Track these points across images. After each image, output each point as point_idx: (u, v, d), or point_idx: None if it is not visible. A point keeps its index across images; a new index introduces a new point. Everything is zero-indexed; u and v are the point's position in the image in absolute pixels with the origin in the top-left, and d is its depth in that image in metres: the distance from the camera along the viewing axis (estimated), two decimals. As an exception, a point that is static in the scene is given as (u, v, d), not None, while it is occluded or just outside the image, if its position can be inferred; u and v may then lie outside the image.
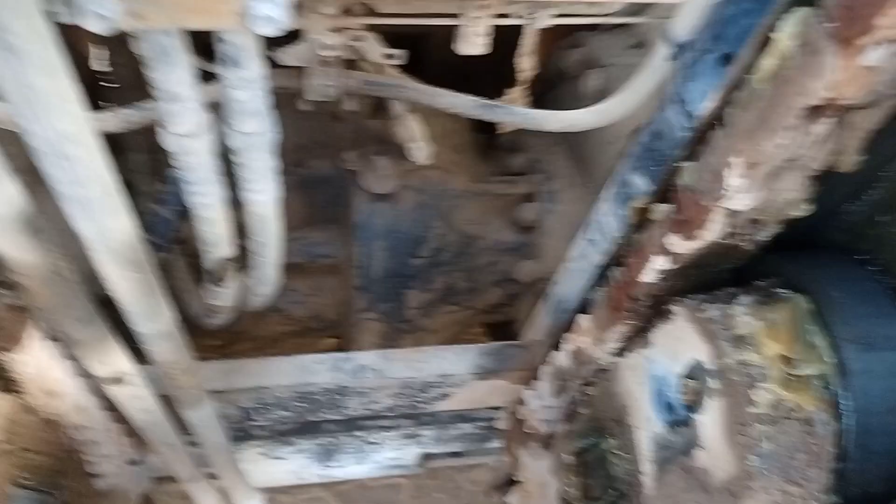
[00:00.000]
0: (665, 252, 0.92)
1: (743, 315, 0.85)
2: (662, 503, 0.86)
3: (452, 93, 1.46)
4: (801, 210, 0.85)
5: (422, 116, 1.58)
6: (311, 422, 1.28)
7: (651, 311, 0.99)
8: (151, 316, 0.72)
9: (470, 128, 1.95)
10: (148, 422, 0.94)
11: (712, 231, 0.86)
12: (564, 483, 1.13)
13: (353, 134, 1.68)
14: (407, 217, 1.64)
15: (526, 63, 2.30)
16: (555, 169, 1.84)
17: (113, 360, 0.79)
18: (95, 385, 0.92)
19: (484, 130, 2.11)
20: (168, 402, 0.98)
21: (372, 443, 1.39)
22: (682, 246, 0.89)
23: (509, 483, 1.41)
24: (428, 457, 1.53)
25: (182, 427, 1.04)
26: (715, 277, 0.95)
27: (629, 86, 1.33)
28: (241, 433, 1.26)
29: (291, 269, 1.39)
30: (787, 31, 0.72)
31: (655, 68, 1.24)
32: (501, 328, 1.93)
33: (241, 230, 1.14)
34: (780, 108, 0.74)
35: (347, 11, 1.36)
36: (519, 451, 1.36)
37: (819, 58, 0.67)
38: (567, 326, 1.26)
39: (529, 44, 2.23)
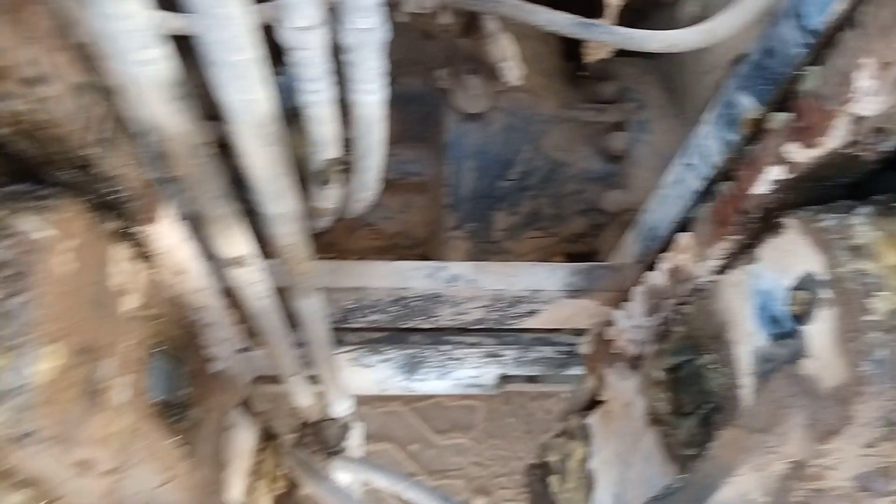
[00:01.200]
0: (781, 162, 0.89)
1: (861, 225, 0.82)
2: (765, 409, 0.85)
3: (549, 9, 1.43)
4: (932, 119, 0.81)
5: (514, 37, 1.56)
6: (401, 330, 1.32)
7: (760, 226, 0.96)
8: (280, 196, 0.75)
9: (560, 53, 1.91)
10: (261, 308, 0.98)
11: (834, 139, 0.83)
12: (653, 400, 1.13)
13: (445, 52, 1.67)
14: (496, 138, 1.64)
15: (616, -9, 2.23)
16: (646, 98, 1.79)
17: (238, 242, 0.82)
18: (217, 268, 0.96)
19: (573, 59, 2.06)
20: (281, 294, 1.02)
21: (455, 358, 1.42)
22: (800, 154, 0.86)
23: (591, 405, 1.43)
24: (505, 379, 1.55)
25: (291, 323, 1.08)
26: (829, 192, 0.92)
27: (737, 3, 1.27)
28: (336, 337, 1.30)
29: (383, 184, 1.41)
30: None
31: (768, -18, 1.19)
32: (584, 259, 1.92)
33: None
34: (920, 4, 0.71)
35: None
36: (604, 372, 1.36)
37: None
38: (658, 251, 1.25)
39: (620, -31, 2.16)
